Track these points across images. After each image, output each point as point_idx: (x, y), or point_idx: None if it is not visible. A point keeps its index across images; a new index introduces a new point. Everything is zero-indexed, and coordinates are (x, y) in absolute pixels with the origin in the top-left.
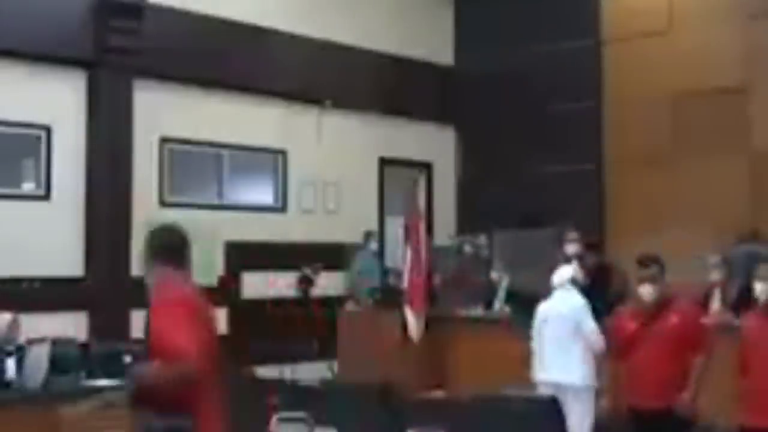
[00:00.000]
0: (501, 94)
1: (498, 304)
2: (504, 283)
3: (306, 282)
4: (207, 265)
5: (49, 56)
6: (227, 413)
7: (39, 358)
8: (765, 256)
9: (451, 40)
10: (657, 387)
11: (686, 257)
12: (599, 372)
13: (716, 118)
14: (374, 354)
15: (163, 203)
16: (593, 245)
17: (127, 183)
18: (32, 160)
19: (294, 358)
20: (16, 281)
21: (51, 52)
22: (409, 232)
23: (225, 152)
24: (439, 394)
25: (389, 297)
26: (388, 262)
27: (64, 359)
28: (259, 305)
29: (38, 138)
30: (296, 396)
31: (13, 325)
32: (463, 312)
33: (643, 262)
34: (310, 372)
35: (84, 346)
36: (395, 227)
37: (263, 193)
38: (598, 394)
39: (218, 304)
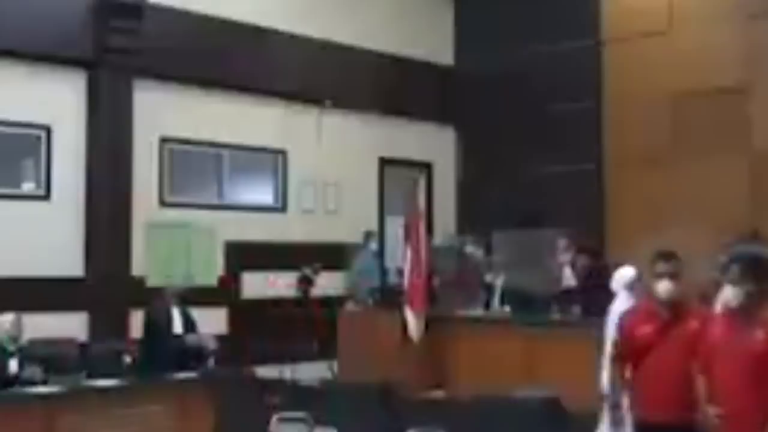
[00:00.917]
0: (501, 94)
1: (495, 305)
2: (499, 284)
3: (306, 282)
4: (207, 265)
5: (49, 56)
6: (227, 413)
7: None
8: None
9: (451, 40)
10: (673, 398)
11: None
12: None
13: (716, 118)
14: (374, 354)
15: (163, 203)
16: (586, 248)
17: (127, 183)
18: (32, 160)
19: (294, 358)
20: (17, 281)
21: (51, 52)
22: (409, 232)
23: (225, 152)
24: (439, 394)
25: (389, 297)
26: (389, 262)
27: (64, 359)
28: (259, 305)
29: (38, 138)
30: (296, 396)
31: (16, 325)
32: (462, 312)
33: (664, 255)
34: (310, 372)
35: (84, 346)
36: (395, 227)
37: (263, 193)
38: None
39: (218, 304)
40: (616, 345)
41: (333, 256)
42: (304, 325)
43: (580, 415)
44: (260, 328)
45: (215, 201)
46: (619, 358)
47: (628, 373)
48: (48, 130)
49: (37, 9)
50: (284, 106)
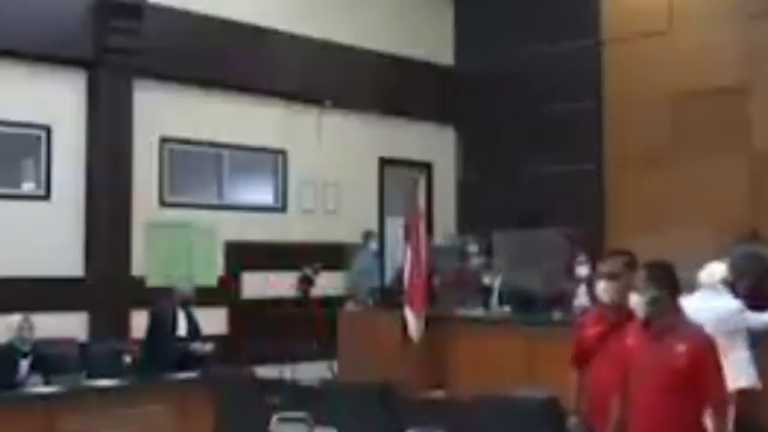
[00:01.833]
0: (501, 94)
1: (495, 305)
2: (497, 284)
3: (306, 282)
4: (207, 265)
5: (49, 56)
6: (227, 413)
7: None
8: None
9: (451, 40)
10: (610, 411)
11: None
12: None
13: (716, 118)
14: (374, 354)
15: (163, 203)
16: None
17: (127, 183)
18: (32, 160)
19: (294, 358)
20: (17, 281)
21: (51, 52)
22: (408, 232)
23: (225, 152)
24: (439, 394)
25: (389, 297)
26: (389, 262)
27: (64, 359)
28: (259, 305)
29: (38, 138)
30: (296, 396)
31: (25, 325)
32: (462, 312)
33: (611, 254)
34: (310, 372)
35: (84, 346)
36: (395, 227)
37: (263, 193)
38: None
39: (218, 304)
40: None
41: (333, 256)
42: (304, 325)
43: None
44: (260, 328)
45: (215, 201)
46: (572, 360)
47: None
48: (48, 130)
49: (37, 9)
50: (284, 106)
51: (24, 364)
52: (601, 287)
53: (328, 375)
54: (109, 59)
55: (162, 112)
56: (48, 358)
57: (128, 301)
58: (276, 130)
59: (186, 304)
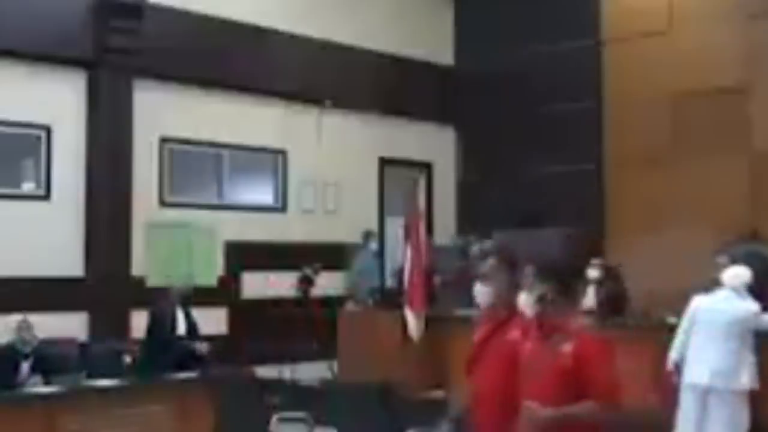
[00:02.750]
0: (501, 94)
1: None
2: None
3: (306, 282)
4: (207, 265)
5: (49, 56)
6: (227, 413)
7: None
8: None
9: (451, 40)
10: (491, 425)
11: (693, 257)
12: None
13: (716, 118)
14: (374, 354)
15: (163, 203)
16: (612, 271)
17: (127, 183)
18: (32, 160)
19: (294, 358)
20: (17, 281)
21: (51, 52)
22: (409, 232)
23: (225, 152)
24: (439, 394)
25: (389, 297)
26: (389, 262)
27: (64, 359)
28: (259, 305)
29: (38, 138)
30: (296, 396)
31: (24, 326)
32: (463, 312)
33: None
34: (310, 372)
35: (84, 346)
36: (395, 227)
37: (263, 193)
38: None
39: (218, 304)
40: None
41: (333, 256)
42: (304, 325)
43: None
44: (260, 328)
45: (215, 201)
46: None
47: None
48: (48, 130)
49: (37, 9)
50: (284, 106)
51: (25, 366)
52: (476, 289)
53: (328, 375)
54: (109, 59)
55: (162, 112)
56: (48, 359)
57: (128, 301)
58: (276, 130)
59: (185, 304)
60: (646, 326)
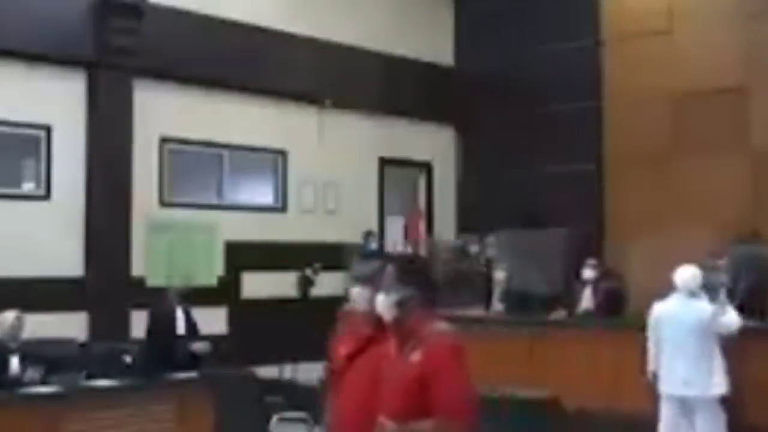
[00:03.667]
0: (501, 94)
1: (495, 305)
2: (498, 284)
3: (306, 282)
4: (207, 265)
5: (49, 56)
6: (227, 413)
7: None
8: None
9: (451, 40)
10: None
11: (692, 259)
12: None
13: (716, 118)
14: None
15: (163, 203)
16: (612, 273)
17: (127, 183)
18: (32, 160)
19: (294, 358)
20: (17, 281)
21: (51, 52)
22: (408, 232)
23: (225, 152)
24: None
25: None
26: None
27: (64, 359)
28: (259, 305)
29: (38, 138)
30: (296, 396)
31: (17, 323)
32: (462, 312)
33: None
34: (310, 372)
35: (84, 346)
36: (395, 227)
37: (263, 193)
38: None
39: (218, 304)
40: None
41: (333, 256)
42: (305, 325)
43: (580, 415)
44: (260, 328)
45: (215, 201)
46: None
47: None
48: (48, 130)
49: (37, 9)
50: (284, 106)
51: (14, 361)
52: (355, 293)
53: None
54: (109, 59)
55: (162, 112)
56: (48, 358)
57: (128, 301)
58: (276, 130)
59: (184, 304)
60: (644, 327)
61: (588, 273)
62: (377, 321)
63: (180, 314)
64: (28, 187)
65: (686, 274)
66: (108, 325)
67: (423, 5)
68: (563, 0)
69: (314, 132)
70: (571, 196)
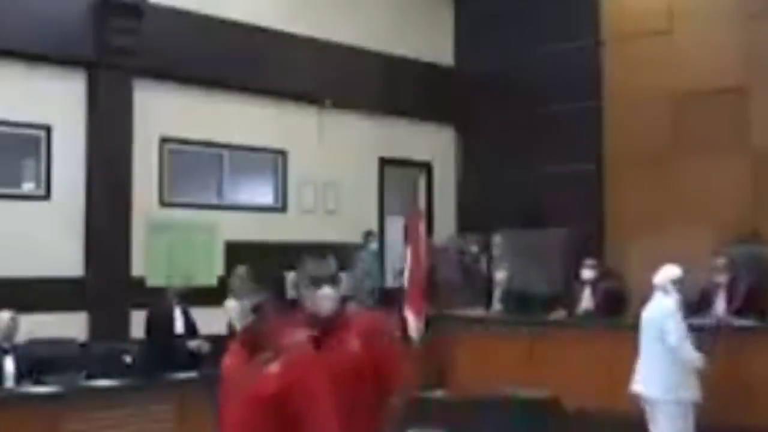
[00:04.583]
0: (501, 94)
1: (495, 305)
2: (498, 284)
3: None
4: (207, 265)
5: (49, 56)
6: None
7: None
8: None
9: (451, 40)
10: None
11: (692, 259)
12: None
13: (716, 118)
14: None
15: (163, 203)
16: (611, 273)
17: (127, 183)
18: (32, 160)
19: None
20: (17, 281)
21: (51, 52)
22: (409, 232)
23: (225, 152)
24: (439, 394)
25: (389, 297)
26: (389, 263)
27: (64, 359)
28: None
29: (38, 138)
30: None
31: (12, 323)
32: (462, 312)
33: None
34: None
35: (84, 346)
36: (395, 227)
37: (263, 193)
38: None
39: (218, 304)
40: None
41: (333, 256)
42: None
43: (580, 415)
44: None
45: (215, 201)
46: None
47: None
48: (48, 130)
49: (37, 9)
50: (284, 106)
51: (9, 363)
52: (325, 293)
53: None
54: (109, 59)
55: (162, 112)
56: (48, 359)
57: (128, 301)
58: (276, 130)
59: (182, 304)
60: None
61: (587, 273)
62: (323, 322)
63: (178, 314)
64: (28, 187)
65: (662, 273)
66: (108, 325)
67: (423, 5)
68: (563, 0)
69: (314, 132)
70: (571, 196)
